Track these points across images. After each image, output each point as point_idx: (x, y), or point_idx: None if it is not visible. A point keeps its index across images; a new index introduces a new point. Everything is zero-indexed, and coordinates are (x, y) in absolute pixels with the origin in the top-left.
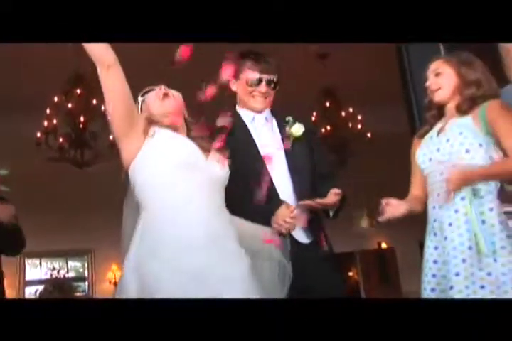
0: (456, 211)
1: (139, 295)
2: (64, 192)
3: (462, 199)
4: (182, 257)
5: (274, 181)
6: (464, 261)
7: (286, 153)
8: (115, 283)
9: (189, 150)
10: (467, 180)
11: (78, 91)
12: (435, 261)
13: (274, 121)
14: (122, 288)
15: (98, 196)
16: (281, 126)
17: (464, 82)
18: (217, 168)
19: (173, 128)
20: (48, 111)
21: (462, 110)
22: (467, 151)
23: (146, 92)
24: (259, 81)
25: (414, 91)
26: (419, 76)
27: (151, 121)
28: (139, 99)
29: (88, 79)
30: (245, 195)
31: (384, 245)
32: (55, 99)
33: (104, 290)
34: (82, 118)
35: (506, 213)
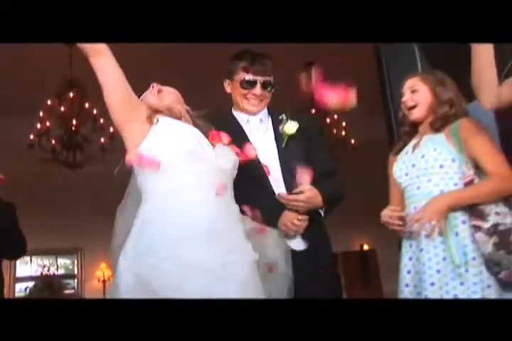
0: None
1: (136, 291)
2: (56, 192)
3: None
4: (184, 251)
5: (271, 182)
6: (438, 271)
7: (280, 153)
8: (104, 281)
9: (194, 139)
10: (444, 208)
11: (71, 95)
12: (408, 271)
13: (270, 121)
14: (118, 285)
15: (89, 197)
16: (276, 125)
17: (438, 101)
18: (224, 158)
19: (178, 116)
20: (41, 113)
21: (435, 127)
22: (441, 166)
23: (140, 95)
24: (254, 83)
25: (393, 101)
26: (397, 88)
27: (155, 110)
28: None
29: (81, 84)
30: (241, 197)
31: (366, 247)
32: (49, 102)
33: (93, 287)
34: (74, 122)
35: (473, 227)
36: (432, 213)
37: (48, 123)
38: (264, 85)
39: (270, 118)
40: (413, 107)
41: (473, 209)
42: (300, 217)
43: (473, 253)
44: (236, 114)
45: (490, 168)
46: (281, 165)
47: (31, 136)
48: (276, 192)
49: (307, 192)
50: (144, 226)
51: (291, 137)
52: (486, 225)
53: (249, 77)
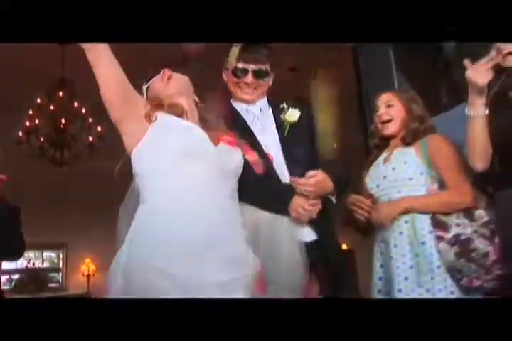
0: (401, 233)
1: (126, 293)
2: (45, 190)
3: (406, 222)
4: (178, 262)
5: (276, 170)
6: (406, 278)
7: (282, 141)
8: (88, 276)
9: (194, 137)
10: (395, 213)
11: (61, 94)
12: (380, 278)
13: (270, 111)
14: (109, 285)
15: (77, 194)
16: (277, 114)
17: (411, 117)
18: (228, 157)
19: (179, 113)
20: (30, 111)
21: (406, 142)
22: (410, 179)
23: (150, 79)
24: (245, 71)
25: (369, 108)
26: (374, 99)
27: (155, 106)
28: (144, 87)
29: (71, 83)
30: (245, 187)
31: (344, 247)
32: (38, 100)
33: (78, 281)
34: (63, 120)
35: (437, 237)
36: (384, 218)
37: (37, 121)
38: (257, 74)
39: (270, 108)
40: (388, 121)
41: (437, 221)
42: (311, 202)
43: (439, 262)
44: (234, 104)
45: (450, 183)
46: (283, 154)
47: (20, 133)
48: (282, 180)
49: (318, 175)
50: (140, 229)
51: (292, 125)
52: (448, 236)
53: (241, 65)
